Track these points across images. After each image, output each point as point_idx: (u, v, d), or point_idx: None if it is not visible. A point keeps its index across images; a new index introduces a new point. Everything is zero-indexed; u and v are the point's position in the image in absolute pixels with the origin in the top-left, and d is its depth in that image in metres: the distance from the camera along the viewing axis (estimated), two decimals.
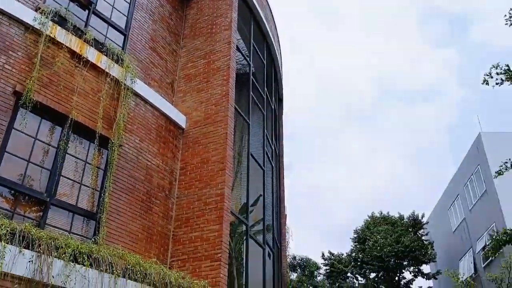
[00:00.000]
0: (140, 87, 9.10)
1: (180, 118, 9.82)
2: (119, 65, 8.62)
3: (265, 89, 12.58)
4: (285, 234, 13.09)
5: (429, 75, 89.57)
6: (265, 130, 11.95)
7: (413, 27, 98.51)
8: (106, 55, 8.48)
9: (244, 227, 9.68)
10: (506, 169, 8.01)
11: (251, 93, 11.18)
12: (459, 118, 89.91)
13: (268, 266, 10.43)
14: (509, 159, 8.37)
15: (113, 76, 8.46)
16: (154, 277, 6.29)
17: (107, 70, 8.39)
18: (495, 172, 9.09)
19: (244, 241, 9.60)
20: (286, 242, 13.54)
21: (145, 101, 9.20)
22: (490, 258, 21.71)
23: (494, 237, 7.33)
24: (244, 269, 9.28)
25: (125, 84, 8.58)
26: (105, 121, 8.08)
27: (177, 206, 8.93)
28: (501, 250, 19.19)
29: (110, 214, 7.58)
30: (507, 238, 7.09)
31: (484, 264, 22.09)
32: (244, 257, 9.46)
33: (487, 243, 7.44)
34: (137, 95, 9.00)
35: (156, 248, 8.28)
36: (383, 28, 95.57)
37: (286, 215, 13.20)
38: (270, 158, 12.33)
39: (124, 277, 5.94)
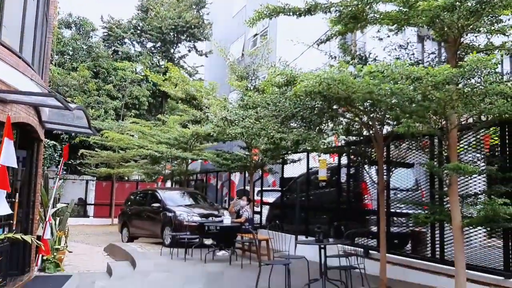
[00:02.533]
0: None
1: None
2: None
3: None
4: None
5: None
6: None
7: None
8: None
9: None
10: None
11: None
12: None
13: (31, 10, 9.31)
14: None
15: None
16: None
17: None
18: None
19: None
20: None
21: None
22: (256, 46, 24.19)
23: (257, 10, 7.89)
24: (2, 6, 8.08)
25: None
26: None
27: None
28: (266, 35, 21.27)
29: None
30: (267, 13, 7.72)
31: (251, 50, 24.58)
32: None
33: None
34: None
35: None
36: None
37: None
38: None
39: None
